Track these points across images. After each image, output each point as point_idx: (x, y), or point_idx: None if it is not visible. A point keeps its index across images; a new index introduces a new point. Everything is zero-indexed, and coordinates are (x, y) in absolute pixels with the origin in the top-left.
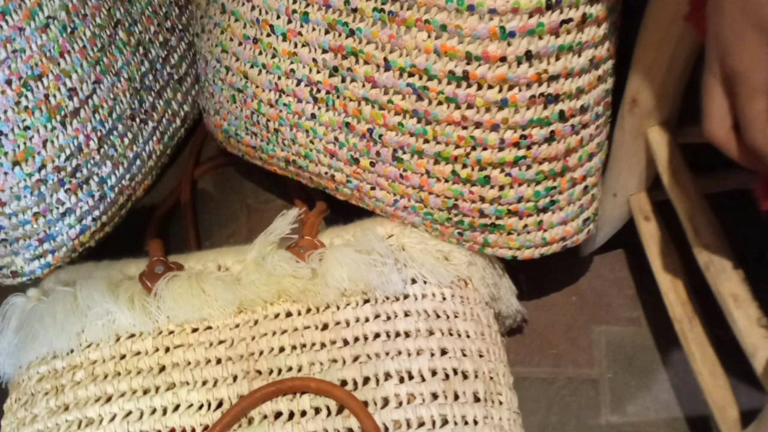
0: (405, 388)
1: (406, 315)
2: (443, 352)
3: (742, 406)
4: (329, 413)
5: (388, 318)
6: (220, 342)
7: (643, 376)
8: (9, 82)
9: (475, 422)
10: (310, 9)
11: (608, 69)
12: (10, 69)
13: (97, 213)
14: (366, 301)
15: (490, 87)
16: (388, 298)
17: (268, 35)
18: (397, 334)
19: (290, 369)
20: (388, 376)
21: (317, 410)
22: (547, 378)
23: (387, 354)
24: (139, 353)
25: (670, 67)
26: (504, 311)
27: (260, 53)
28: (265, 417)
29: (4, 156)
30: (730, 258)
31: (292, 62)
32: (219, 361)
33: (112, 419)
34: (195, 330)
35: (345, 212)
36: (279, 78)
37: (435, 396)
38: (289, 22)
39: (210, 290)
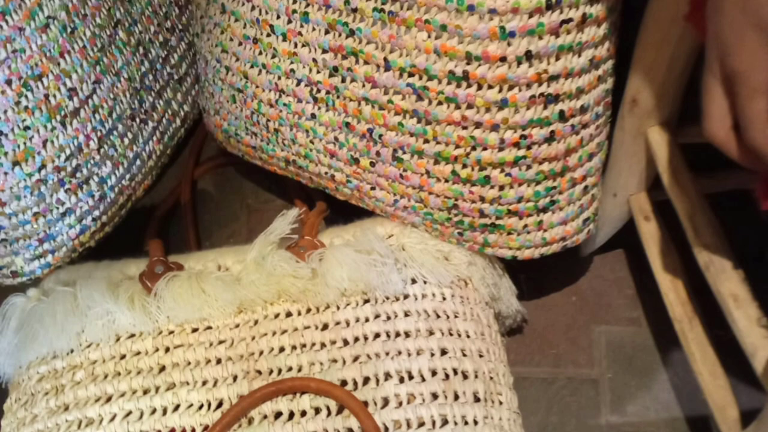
0: (405, 388)
1: (406, 315)
2: (443, 352)
3: (742, 406)
4: (329, 413)
5: (388, 318)
6: (220, 342)
7: (643, 376)
8: (9, 82)
9: (475, 422)
10: (310, 9)
11: (608, 69)
12: (10, 69)
13: (97, 213)
14: (366, 301)
15: (490, 87)
16: (388, 298)
17: (268, 35)
18: (397, 334)
19: (290, 369)
20: (388, 376)
21: (317, 410)
22: (547, 378)
23: (387, 354)
24: (139, 353)
25: (670, 67)
26: (504, 311)
27: (260, 53)
28: (265, 417)
29: (4, 156)
30: (730, 258)
31: (292, 62)
32: (219, 361)
33: (112, 419)
34: (195, 330)
35: (345, 212)
36: (279, 78)
37: (435, 396)
38: (289, 22)
39: (210, 290)
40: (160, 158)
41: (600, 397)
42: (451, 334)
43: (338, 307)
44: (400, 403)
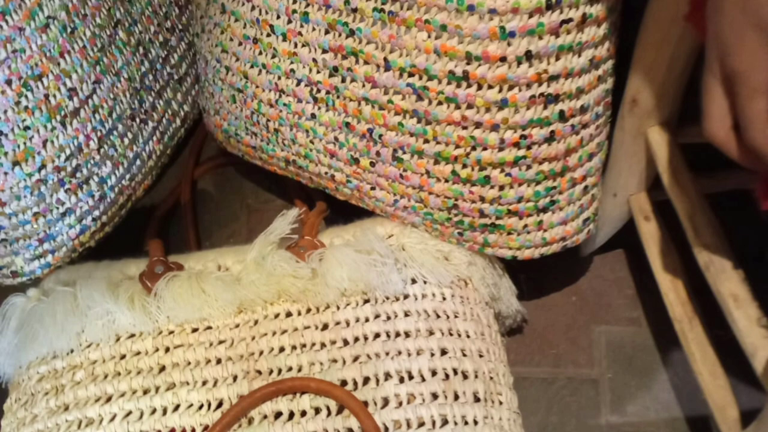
0: (405, 388)
1: (406, 315)
2: (443, 352)
3: (742, 406)
4: (329, 413)
5: (388, 318)
6: (220, 342)
7: (643, 376)
8: (9, 82)
9: (475, 422)
10: (310, 9)
11: (608, 69)
12: (10, 69)
13: (97, 213)
14: (366, 301)
15: (490, 87)
16: (388, 298)
17: (268, 35)
18: (397, 334)
19: (290, 369)
20: (388, 376)
21: (317, 410)
22: (547, 378)
23: (387, 354)
24: (139, 353)
25: (670, 67)
26: (504, 311)
27: (260, 53)
28: (265, 417)
29: (4, 156)
30: (730, 258)
31: (292, 62)
32: (219, 361)
33: (112, 419)
34: (195, 330)
35: (345, 212)
36: (279, 78)
37: (435, 396)
38: (289, 22)
39: (210, 290)
40: (160, 158)
41: (600, 397)
42: (451, 334)
43: (338, 307)
44: (400, 403)
